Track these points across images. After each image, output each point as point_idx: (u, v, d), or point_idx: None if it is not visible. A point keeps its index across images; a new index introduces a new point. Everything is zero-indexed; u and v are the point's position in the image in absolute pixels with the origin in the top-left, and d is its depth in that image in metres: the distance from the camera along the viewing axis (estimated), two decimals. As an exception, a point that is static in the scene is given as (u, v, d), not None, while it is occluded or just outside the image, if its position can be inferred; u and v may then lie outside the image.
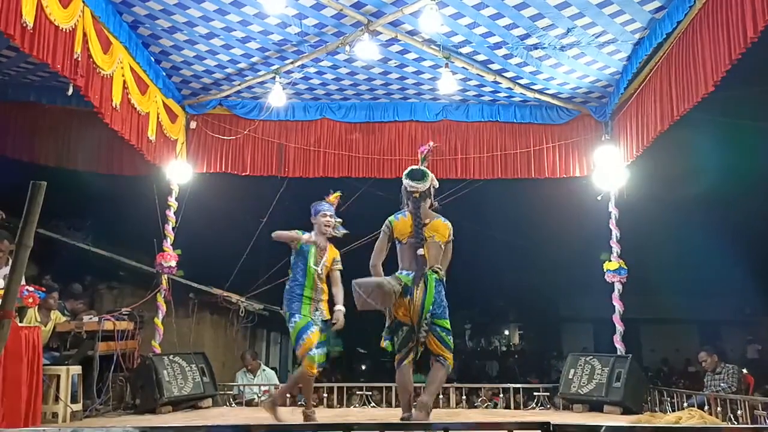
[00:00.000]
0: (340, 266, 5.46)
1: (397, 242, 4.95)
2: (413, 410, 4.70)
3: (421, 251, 4.80)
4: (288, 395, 5.85)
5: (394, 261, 4.94)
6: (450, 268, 5.05)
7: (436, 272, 4.83)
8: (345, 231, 5.52)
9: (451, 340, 4.88)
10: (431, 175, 5.06)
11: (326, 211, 5.39)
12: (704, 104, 5.36)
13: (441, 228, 4.96)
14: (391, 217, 5.01)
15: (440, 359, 4.79)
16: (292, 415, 6.45)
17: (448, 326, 4.85)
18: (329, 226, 5.38)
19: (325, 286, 5.35)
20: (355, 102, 7.93)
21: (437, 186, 5.16)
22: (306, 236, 5.22)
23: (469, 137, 7.88)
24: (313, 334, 5.13)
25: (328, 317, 5.31)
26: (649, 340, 21.45)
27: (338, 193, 5.61)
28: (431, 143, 5.43)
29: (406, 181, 5.01)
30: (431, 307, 4.72)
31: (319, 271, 5.27)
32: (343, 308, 5.32)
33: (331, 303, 5.38)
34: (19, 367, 4.85)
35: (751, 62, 4.86)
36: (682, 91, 5.46)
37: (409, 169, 5.09)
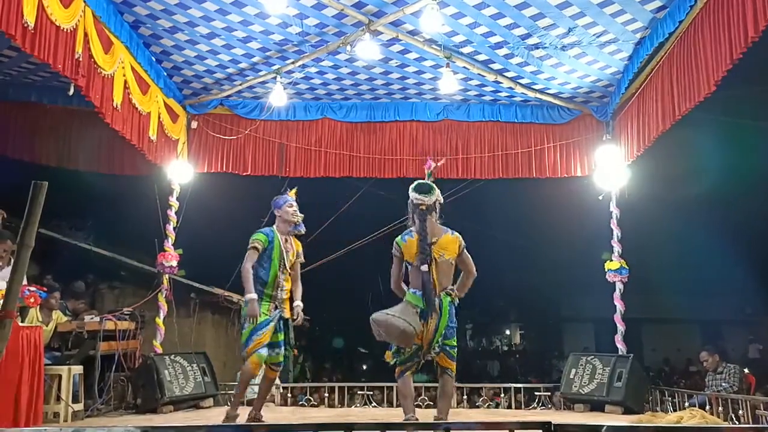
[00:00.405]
0: (302, 259, 5.45)
1: (408, 264, 4.88)
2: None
3: (425, 267, 4.72)
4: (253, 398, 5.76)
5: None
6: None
7: (449, 294, 4.79)
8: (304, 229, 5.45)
9: (456, 352, 4.91)
10: (437, 191, 5.00)
11: (292, 202, 5.38)
12: (705, 104, 5.36)
13: (450, 244, 4.86)
14: (398, 239, 4.93)
15: (448, 371, 4.82)
16: (292, 414, 6.46)
17: (456, 343, 4.88)
18: (296, 214, 5.33)
19: (287, 284, 5.29)
20: (356, 102, 7.93)
21: (442, 202, 5.08)
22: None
23: (470, 137, 7.88)
24: (266, 333, 5.08)
25: (289, 315, 5.27)
26: (651, 340, 21.46)
27: (295, 189, 5.56)
28: (433, 163, 5.38)
29: (412, 195, 4.93)
30: (444, 332, 4.73)
31: (285, 266, 5.23)
32: (301, 304, 5.31)
33: (291, 299, 5.35)
34: (20, 367, 4.85)
35: (752, 61, 4.86)
36: (684, 91, 5.45)
37: (416, 182, 5.02)
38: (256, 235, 5.24)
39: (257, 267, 5.19)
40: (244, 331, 5.12)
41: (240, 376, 5.41)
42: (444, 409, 4.85)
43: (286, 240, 5.33)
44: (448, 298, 4.77)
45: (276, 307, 5.20)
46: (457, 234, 4.94)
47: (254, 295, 5.05)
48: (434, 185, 5.03)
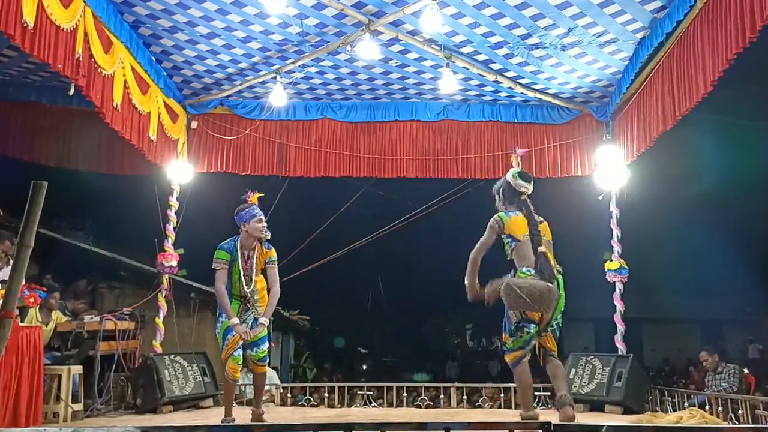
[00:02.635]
0: (275, 266, 5.34)
1: (510, 239, 4.92)
2: (561, 408, 4.77)
3: (542, 248, 4.85)
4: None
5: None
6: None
7: (561, 273, 4.91)
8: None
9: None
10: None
11: (261, 216, 5.24)
12: (705, 104, 5.36)
13: (546, 227, 5.06)
14: (501, 215, 4.98)
15: (553, 355, 4.89)
16: (292, 414, 6.47)
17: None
18: (263, 230, 5.23)
19: (258, 286, 5.26)
20: (356, 102, 7.93)
21: None
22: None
23: (471, 137, 7.88)
24: (237, 336, 5.07)
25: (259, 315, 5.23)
26: (651, 340, 21.45)
27: (257, 195, 5.44)
28: (520, 150, 5.50)
29: (517, 182, 5.04)
30: (562, 309, 4.82)
31: (246, 287, 5.16)
32: (266, 322, 5.20)
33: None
34: (20, 366, 4.86)
35: (751, 62, 4.86)
36: (683, 91, 5.45)
37: (516, 170, 5.15)
38: (217, 253, 5.19)
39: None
40: (217, 336, 5.17)
41: (223, 384, 5.42)
42: (565, 388, 4.83)
43: (249, 256, 5.23)
44: (560, 276, 4.87)
45: (247, 309, 5.20)
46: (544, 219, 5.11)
47: (236, 320, 5.07)
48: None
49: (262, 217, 5.26)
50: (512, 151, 5.50)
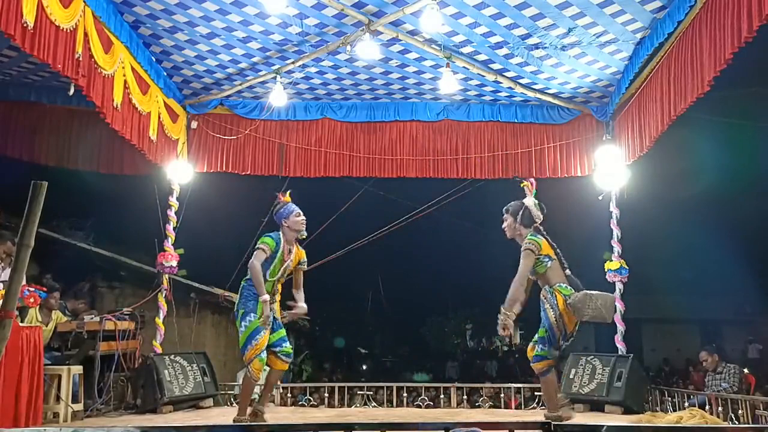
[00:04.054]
0: (305, 267, 5.47)
1: (546, 259, 5.24)
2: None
3: (569, 272, 5.24)
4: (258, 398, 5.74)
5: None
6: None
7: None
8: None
9: None
10: None
11: (299, 211, 5.35)
12: (705, 104, 5.37)
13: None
14: (532, 237, 5.28)
15: None
16: (292, 414, 6.47)
17: None
18: (304, 223, 5.34)
19: (280, 287, 5.36)
20: (356, 102, 7.93)
21: None
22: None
23: (470, 137, 7.88)
24: (264, 337, 5.10)
25: (278, 316, 5.30)
26: (650, 340, 21.47)
27: (289, 192, 5.55)
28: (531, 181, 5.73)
29: (537, 212, 5.40)
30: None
31: (280, 275, 5.26)
32: (305, 306, 5.37)
33: (286, 306, 5.41)
34: (20, 366, 4.86)
35: (751, 62, 4.86)
36: (682, 91, 5.44)
37: (536, 201, 5.46)
38: (265, 238, 5.24)
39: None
40: (241, 334, 5.14)
41: (243, 382, 5.42)
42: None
43: (290, 250, 5.32)
44: None
45: (270, 309, 5.22)
46: None
47: (267, 297, 5.10)
48: None
49: (300, 211, 5.36)
50: (526, 180, 5.70)
